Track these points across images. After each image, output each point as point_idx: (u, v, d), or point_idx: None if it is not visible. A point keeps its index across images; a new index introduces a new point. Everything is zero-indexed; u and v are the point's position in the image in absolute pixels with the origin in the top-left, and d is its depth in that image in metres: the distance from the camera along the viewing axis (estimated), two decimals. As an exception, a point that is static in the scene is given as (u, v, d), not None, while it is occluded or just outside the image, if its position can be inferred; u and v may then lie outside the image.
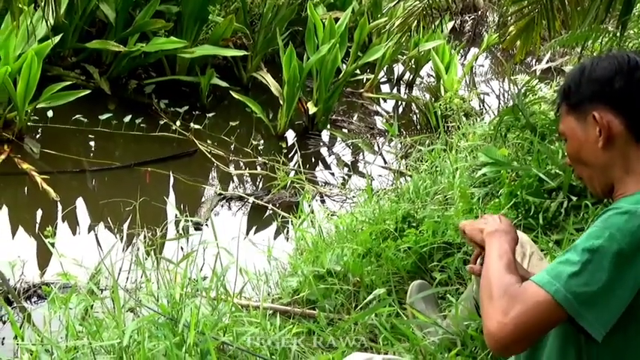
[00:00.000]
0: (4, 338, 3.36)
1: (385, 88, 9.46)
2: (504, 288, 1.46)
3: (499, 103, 7.33)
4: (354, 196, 5.37)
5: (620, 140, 1.53)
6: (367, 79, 8.72)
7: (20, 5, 4.57)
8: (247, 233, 4.84)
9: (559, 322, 1.41)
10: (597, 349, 1.45)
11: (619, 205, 1.45)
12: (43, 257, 4.22)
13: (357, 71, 8.09)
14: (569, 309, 1.37)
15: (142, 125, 6.12)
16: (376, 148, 6.85)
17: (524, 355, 1.63)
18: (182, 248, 3.58)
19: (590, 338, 1.40)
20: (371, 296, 2.88)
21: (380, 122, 7.76)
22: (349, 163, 6.62)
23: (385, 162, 6.42)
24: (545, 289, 1.39)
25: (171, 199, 5.31)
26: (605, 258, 1.37)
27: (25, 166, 5.35)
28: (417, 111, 7.65)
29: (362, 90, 8.59)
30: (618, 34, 4.10)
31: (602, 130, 1.53)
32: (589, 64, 1.60)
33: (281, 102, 6.75)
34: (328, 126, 7.23)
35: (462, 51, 10.60)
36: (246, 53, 7.81)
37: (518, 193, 3.45)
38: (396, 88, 9.49)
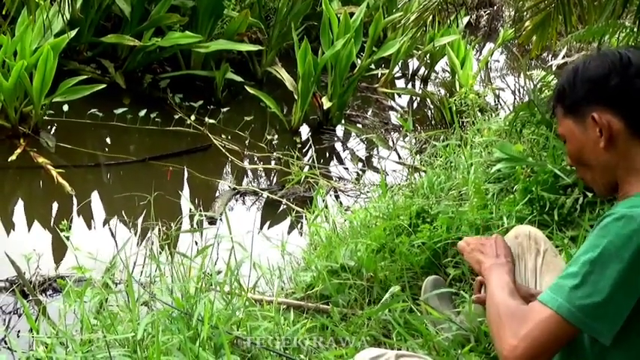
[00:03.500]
0: (19, 331, 3.39)
1: (400, 83, 9.44)
2: (511, 311, 1.48)
3: (514, 98, 7.29)
4: (368, 192, 5.36)
5: (620, 139, 1.52)
6: (382, 74, 8.71)
7: (37, 0, 4.59)
8: (261, 228, 4.85)
9: (571, 336, 1.41)
10: (609, 352, 1.44)
11: (615, 211, 1.44)
12: (59, 251, 4.24)
13: (372, 66, 8.07)
14: (576, 322, 1.37)
15: (156, 120, 6.14)
16: (390, 144, 6.83)
17: None
18: (196, 242, 3.59)
19: (596, 341, 1.40)
20: (386, 294, 2.88)
21: (394, 117, 7.75)
22: (363, 158, 6.61)
23: (399, 157, 6.41)
24: (548, 306, 1.40)
25: (185, 194, 5.33)
26: (606, 267, 1.37)
27: (41, 159, 5.38)
28: (431, 106, 7.62)
29: (377, 85, 8.58)
30: (635, 29, 4.07)
31: (602, 130, 1.52)
32: (581, 64, 1.58)
33: (295, 97, 6.75)
34: (342, 121, 7.22)
35: (477, 46, 10.56)
36: (260, 48, 7.82)
37: (533, 189, 3.44)
38: (410, 83, 9.46)
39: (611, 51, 1.56)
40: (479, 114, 6.40)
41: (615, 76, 1.50)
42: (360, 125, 7.37)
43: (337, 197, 5.40)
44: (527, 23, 5.45)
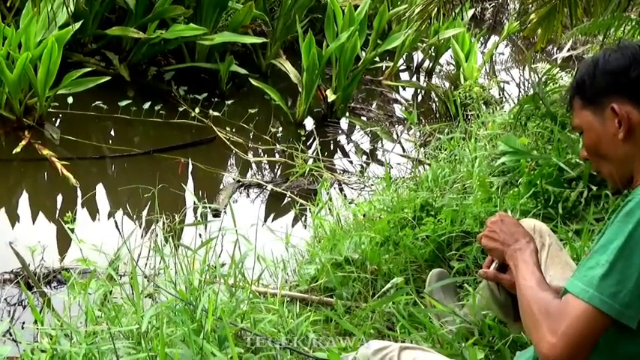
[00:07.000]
0: (24, 323, 3.40)
1: (404, 75, 9.42)
2: (545, 307, 1.46)
3: (519, 91, 7.28)
4: (372, 184, 5.36)
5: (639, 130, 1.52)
6: (386, 67, 8.70)
7: (41, -8, 4.59)
8: (265, 220, 4.85)
9: (607, 326, 1.40)
10: (620, 343, 1.44)
11: (635, 195, 1.43)
12: (63, 243, 4.25)
13: (377, 59, 8.07)
14: (610, 311, 1.37)
15: (161, 112, 6.14)
16: (395, 136, 6.83)
17: None
18: (200, 235, 3.60)
19: (607, 332, 1.40)
20: (389, 285, 2.88)
21: (399, 110, 7.74)
22: (368, 151, 6.60)
23: (404, 150, 6.41)
24: (581, 298, 1.39)
25: (189, 186, 5.33)
26: (633, 252, 1.37)
27: (46, 152, 5.38)
28: (436, 99, 7.61)
29: (381, 78, 8.57)
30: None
31: (621, 121, 1.51)
32: (601, 56, 1.58)
33: (300, 89, 6.74)
34: (347, 114, 7.21)
35: (482, 39, 10.53)
36: (265, 40, 7.80)
37: (538, 182, 3.43)
38: (415, 76, 9.45)
39: (631, 44, 1.57)
40: (483, 107, 6.39)
41: (636, 69, 1.50)
42: (364, 118, 7.36)
43: (341, 190, 5.40)
44: (532, 16, 5.44)
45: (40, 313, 2.74)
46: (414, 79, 9.34)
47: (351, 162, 6.23)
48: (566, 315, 1.40)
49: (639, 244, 1.37)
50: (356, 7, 7.31)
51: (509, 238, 1.73)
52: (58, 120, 6.16)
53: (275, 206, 5.17)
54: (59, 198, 5.07)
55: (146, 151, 5.74)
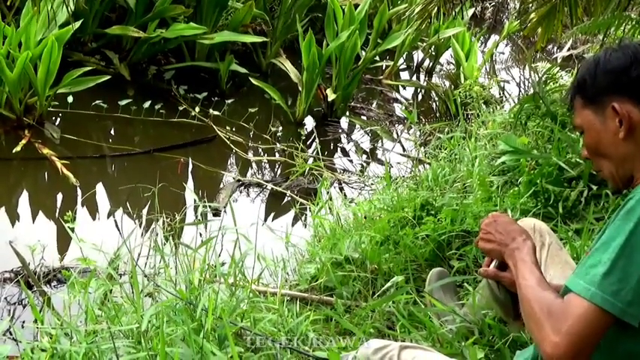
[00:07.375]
0: (24, 322, 3.40)
1: (404, 75, 9.42)
2: (547, 308, 1.46)
3: (519, 90, 7.28)
4: (372, 184, 5.36)
5: None
6: (386, 66, 8.69)
7: (41, -9, 4.59)
8: (265, 220, 4.85)
9: (610, 324, 1.39)
10: (620, 341, 1.44)
11: (636, 193, 1.43)
12: (63, 242, 4.25)
13: (377, 58, 8.06)
14: (612, 309, 1.37)
15: (161, 111, 6.14)
16: (395, 136, 6.83)
17: None
18: (201, 234, 3.60)
19: (615, 324, 1.39)
20: (389, 284, 2.88)
21: (399, 109, 7.73)
22: (368, 150, 6.60)
23: (404, 149, 6.40)
24: (583, 297, 1.39)
25: (190, 185, 5.33)
26: (634, 251, 1.37)
27: (46, 151, 5.38)
28: (436, 98, 7.61)
29: (381, 77, 8.56)
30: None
31: (622, 120, 1.52)
32: (602, 55, 1.58)
33: (300, 88, 6.74)
34: (347, 113, 7.21)
35: (482, 38, 10.53)
36: (265, 39, 7.80)
37: (538, 181, 3.43)
38: (415, 75, 9.45)
39: (631, 43, 1.57)
40: (483, 106, 6.39)
41: (637, 68, 1.51)
42: (364, 117, 7.36)
43: (341, 189, 5.40)
44: (532, 15, 5.44)
45: (40, 312, 2.74)
46: (414, 78, 9.34)
47: (351, 161, 6.23)
48: (569, 314, 1.40)
49: (638, 243, 1.37)
50: (356, 6, 7.30)
51: (505, 237, 1.73)
52: (58, 119, 6.16)
53: (275, 205, 5.17)
54: (59, 197, 5.06)
55: (146, 150, 5.73)
